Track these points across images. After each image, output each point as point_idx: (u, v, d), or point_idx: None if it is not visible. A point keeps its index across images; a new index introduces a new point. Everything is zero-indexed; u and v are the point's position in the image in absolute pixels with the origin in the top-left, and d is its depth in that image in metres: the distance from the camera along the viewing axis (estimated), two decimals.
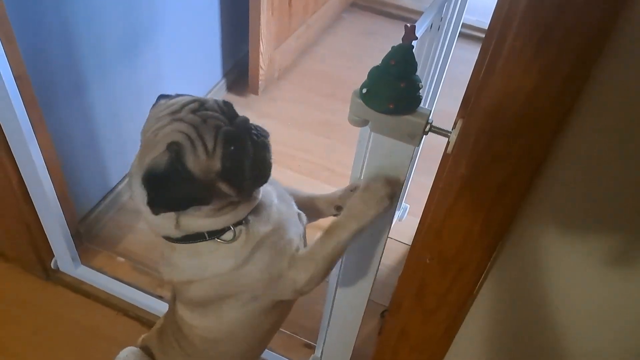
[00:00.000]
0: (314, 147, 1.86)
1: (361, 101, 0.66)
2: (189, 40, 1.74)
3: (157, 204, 0.67)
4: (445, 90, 2.37)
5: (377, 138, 0.70)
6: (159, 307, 1.35)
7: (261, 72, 1.98)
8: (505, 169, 0.60)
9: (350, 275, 0.91)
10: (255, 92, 2.05)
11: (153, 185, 0.67)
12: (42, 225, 1.30)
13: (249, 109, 2.05)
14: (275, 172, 1.73)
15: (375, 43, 2.29)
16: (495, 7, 0.56)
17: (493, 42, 0.54)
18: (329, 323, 1.08)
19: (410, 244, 1.63)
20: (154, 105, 0.81)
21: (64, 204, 1.29)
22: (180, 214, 0.72)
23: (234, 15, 1.95)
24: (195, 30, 1.77)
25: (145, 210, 0.69)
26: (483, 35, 2.52)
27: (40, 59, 1.17)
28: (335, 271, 1.08)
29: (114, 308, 1.37)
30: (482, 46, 0.60)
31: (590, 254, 0.59)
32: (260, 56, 1.91)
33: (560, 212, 0.63)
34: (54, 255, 1.40)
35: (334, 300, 1.08)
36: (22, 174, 1.17)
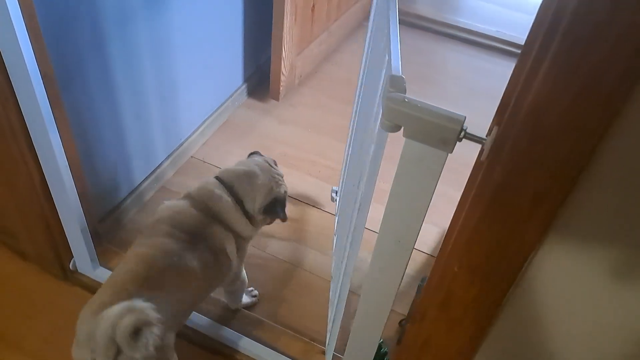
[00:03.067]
0: (334, 153, 1.85)
1: (396, 106, 0.65)
2: (211, 45, 1.75)
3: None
4: (464, 102, 2.37)
5: (408, 144, 0.69)
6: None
7: (282, 78, 1.98)
8: (543, 176, 0.58)
9: (373, 284, 0.90)
10: (276, 98, 2.05)
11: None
12: (62, 225, 1.30)
13: (269, 114, 2.06)
14: (296, 178, 1.72)
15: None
16: (539, 9, 0.55)
17: (537, 44, 0.53)
18: (332, 326, 1.06)
19: (427, 252, 1.63)
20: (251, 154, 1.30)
21: (85, 204, 1.29)
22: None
23: (257, 21, 1.96)
24: (218, 35, 1.78)
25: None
26: (499, 45, 2.48)
27: (67, 57, 1.18)
28: (349, 278, 1.08)
29: None
30: (522, 50, 0.59)
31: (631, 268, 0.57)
32: (282, 62, 1.91)
33: (597, 222, 0.62)
34: (72, 256, 1.40)
35: (337, 303, 1.06)
36: (44, 173, 1.18)
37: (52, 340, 1.29)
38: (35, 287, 1.40)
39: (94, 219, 1.42)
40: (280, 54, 1.90)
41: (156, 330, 0.89)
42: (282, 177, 1.25)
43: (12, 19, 0.90)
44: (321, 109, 2.07)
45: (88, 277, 1.41)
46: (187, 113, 1.78)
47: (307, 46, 2.04)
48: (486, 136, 0.67)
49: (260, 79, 2.13)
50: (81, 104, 1.27)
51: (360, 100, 1.23)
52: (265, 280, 1.49)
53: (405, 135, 0.68)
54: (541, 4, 0.55)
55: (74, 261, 1.40)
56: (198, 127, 1.86)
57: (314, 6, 1.95)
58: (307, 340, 1.33)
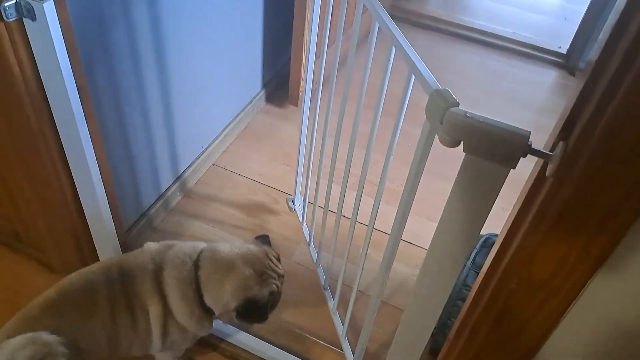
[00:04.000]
0: (357, 160, 1.84)
1: (457, 122, 0.64)
2: (232, 52, 1.74)
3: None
4: (484, 105, 2.35)
5: (468, 159, 0.67)
6: None
7: (302, 83, 1.97)
8: (616, 195, 0.57)
9: (420, 299, 0.88)
10: (295, 104, 2.04)
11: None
12: (92, 239, 1.30)
13: (288, 120, 2.05)
14: (315, 185, 1.67)
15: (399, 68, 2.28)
16: (616, 23, 0.53)
17: (617, 61, 0.51)
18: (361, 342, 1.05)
19: (421, 246, 1.61)
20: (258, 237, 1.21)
21: (114, 216, 1.28)
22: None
23: (276, 26, 1.95)
24: (239, 42, 1.77)
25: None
26: (515, 47, 2.47)
27: (97, 69, 1.17)
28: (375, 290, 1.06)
29: None
30: (595, 67, 0.57)
31: None
32: (302, 67, 1.90)
33: None
34: None
35: (369, 318, 1.05)
36: (77, 188, 1.17)
37: None
38: None
39: (122, 230, 1.41)
40: (300, 59, 1.88)
41: None
42: (280, 276, 1.09)
43: (51, 30, 0.89)
44: (341, 114, 2.05)
45: None
46: (208, 120, 1.77)
47: (325, 51, 2.02)
48: (549, 151, 0.65)
49: (278, 85, 2.12)
50: (109, 116, 1.26)
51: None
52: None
53: (465, 150, 0.67)
54: (616, 21, 0.54)
55: None
56: (219, 135, 1.85)
57: (332, 10, 1.94)
58: (339, 350, 1.32)
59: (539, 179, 0.67)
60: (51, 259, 1.41)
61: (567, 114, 0.63)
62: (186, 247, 1.08)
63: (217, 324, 1.33)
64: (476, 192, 0.69)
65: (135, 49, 1.26)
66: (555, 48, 2.57)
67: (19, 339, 0.87)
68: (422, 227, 1.68)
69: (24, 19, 0.89)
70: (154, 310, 1.02)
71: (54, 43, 0.90)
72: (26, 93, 0.98)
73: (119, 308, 1.00)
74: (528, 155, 0.64)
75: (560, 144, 0.63)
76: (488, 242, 1.64)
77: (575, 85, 0.64)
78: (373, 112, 1.03)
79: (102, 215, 1.21)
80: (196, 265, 1.04)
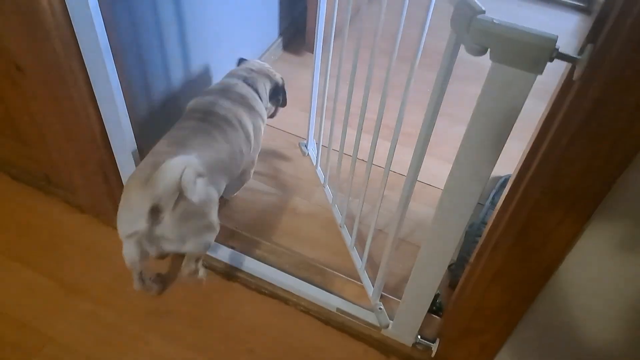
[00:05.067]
0: (374, 105, 1.84)
1: (484, 29, 0.65)
2: (250, 1, 1.73)
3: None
4: None
5: (495, 68, 0.68)
6: (232, 257, 1.38)
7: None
8: None
9: (443, 220, 0.91)
10: (312, 51, 2.03)
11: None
12: (119, 175, 1.33)
13: (306, 67, 2.05)
14: (336, 131, 1.69)
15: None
16: None
17: None
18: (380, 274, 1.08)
19: (438, 187, 1.63)
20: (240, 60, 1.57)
21: (141, 152, 1.31)
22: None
23: None
24: None
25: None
26: None
27: (118, 7, 1.18)
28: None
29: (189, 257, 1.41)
30: None
31: None
32: (318, 12, 1.88)
33: None
34: None
35: (388, 254, 1.07)
36: (104, 123, 1.19)
37: (115, 286, 1.34)
38: (95, 237, 1.45)
39: None
40: (316, 5, 1.86)
41: (204, 181, 1.09)
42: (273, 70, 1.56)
43: None
44: (358, 60, 2.04)
45: None
46: (227, 67, 1.77)
47: None
48: (578, 55, 0.66)
49: (295, 32, 2.11)
50: (133, 52, 1.28)
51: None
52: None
53: (492, 58, 0.68)
54: None
55: None
56: None
57: None
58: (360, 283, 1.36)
59: (566, 84, 0.68)
60: (80, 199, 1.45)
61: (595, 18, 0.63)
62: (227, 81, 1.42)
63: (241, 259, 1.37)
64: (504, 100, 0.70)
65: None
66: None
67: (180, 159, 1.02)
68: (440, 168, 1.69)
69: None
70: (245, 118, 1.35)
71: None
72: (54, 27, 0.99)
73: (224, 129, 1.28)
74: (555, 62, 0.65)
75: (589, 46, 0.64)
76: (506, 182, 1.66)
77: None
78: (387, 57, 1.03)
79: (129, 148, 1.24)
80: (247, 82, 1.44)
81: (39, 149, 1.38)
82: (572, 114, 0.65)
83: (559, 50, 0.64)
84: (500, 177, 1.67)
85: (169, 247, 1.11)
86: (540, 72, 0.66)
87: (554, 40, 0.64)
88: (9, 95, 1.27)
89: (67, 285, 1.34)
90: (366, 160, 1.21)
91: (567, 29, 2.41)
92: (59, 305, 1.30)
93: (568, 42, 2.33)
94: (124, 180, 1.34)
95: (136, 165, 1.29)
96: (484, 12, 0.68)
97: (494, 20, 0.66)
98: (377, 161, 1.22)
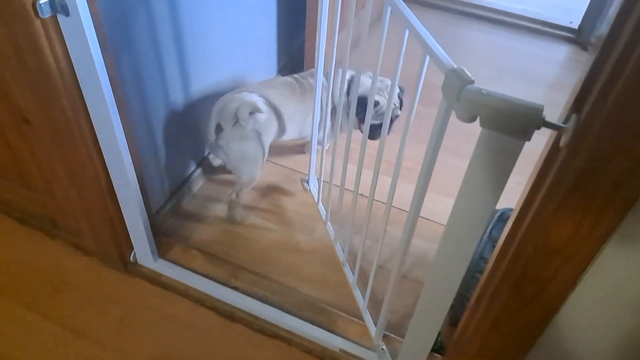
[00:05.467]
0: (374, 142, 1.88)
1: (474, 98, 0.68)
2: (248, 38, 1.78)
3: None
4: (497, 83, 2.37)
5: (485, 134, 0.72)
6: (235, 298, 1.40)
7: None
8: (628, 162, 0.61)
9: (440, 272, 0.93)
10: None
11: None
12: (124, 221, 1.36)
13: None
14: (338, 168, 1.71)
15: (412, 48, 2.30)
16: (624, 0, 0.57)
17: (625, 36, 0.55)
18: (383, 313, 1.10)
19: (436, 221, 1.65)
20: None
21: (144, 199, 1.34)
22: None
23: (289, 10, 1.98)
24: (254, 28, 1.81)
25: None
26: (525, 24, 2.47)
27: (122, 60, 1.22)
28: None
29: (192, 299, 1.43)
30: (605, 40, 0.61)
31: None
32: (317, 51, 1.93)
33: None
34: (133, 249, 1.46)
35: (390, 290, 1.09)
36: (110, 174, 1.23)
37: (121, 329, 1.36)
38: (100, 281, 1.47)
39: (151, 213, 1.47)
40: (314, 42, 1.91)
41: (260, 117, 1.49)
42: (386, 87, 1.62)
43: (84, 24, 0.94)
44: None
45: (148, 269, 1.47)
46: None
47: (337, 34, 2.05)
48: (563, 123, 0.69)
49: (293, 69, 2.15)
50: (135, 106, 1.32)
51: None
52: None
53: (482, 125, 0.71)
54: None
55: (134, 254, 1.47)
56: None
57: None
58: (361, 322, 1.38)
59: (553, 150, 0.71)
60: (87, 243, 1.48)
61: (580, 88, 0.67)
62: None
63: (244, 300, 1.39)
64: (493, 164, 0.74)
65: (155, 37, 1.31)
66: (566, 23, 2.56)
67: (242, 95, 1.49)
68: (437, 203, 1.72)
69: (58, 15, 0.94)
70: (321, 103, 1.59)
71: (87, 36, 0.95)
72: (62, 86, 1.03)
73: (305, 95, 1.62)
74: (542, 128, 0.68)
75: (573, 116, 0.67)
76: (504, 216, 1.68)
77: (587, 60, 0.68)
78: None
79: (134, 198, 1.27)
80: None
81: (46, 195, 1.41)
82: (560, 180, 0.68)
83: (545, 119, 0.67)
84: (498, 211, 1.70)
85: (225, 158, 1.52)
86: (528, 139, 0.69)
87: (540, 109, 0.67)
88: (16, 144, 1.31)
89: (72, 329, 1.36)
90: (366, 195, 1.24)
91: (557, 60, 2.46)
92: (64, 350, 1.32)
93: (558, 74, 2.37)
94: (130, 227, 1.37)
95: (141, 211, 1.32)
96: (472, 82, 0.72)
97: (482, 91, 0.69)
98: (377, 196, 1.25)
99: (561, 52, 2.50)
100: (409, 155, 1.83)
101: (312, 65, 2.03)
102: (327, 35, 1.47)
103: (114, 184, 1.26)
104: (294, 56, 2.16)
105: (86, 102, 1.08)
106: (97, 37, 0.98)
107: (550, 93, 2.19)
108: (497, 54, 2.43)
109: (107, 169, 1.22)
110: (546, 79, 2.30)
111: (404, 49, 0.96)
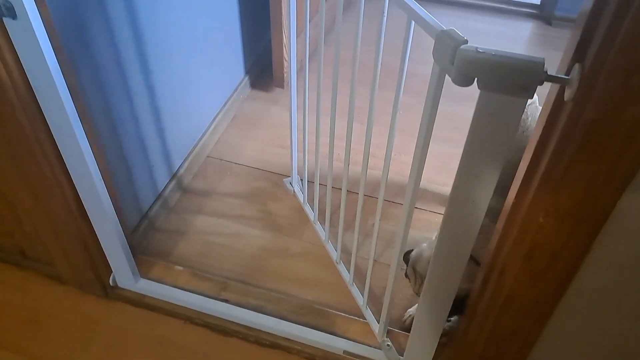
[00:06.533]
0: (357, 135, 1.83)
1: (470, 58, 0.64)
2: (211, 40, 1.71)
3: None
4: None
5: (484, 96, 0.67)
6: (226, 311, 1.32)
7: (285, 64, 1.94)
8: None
9: (444, 250, 0.88)
10: (281, 86, 2.02)
11: None
12: (99, 242, 1.27)
13: (276, 103, 2.03)
14: (313, 164, 1.67)
15: (388, 24, 2.27)
16: None
17: None
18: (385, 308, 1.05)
19: (429, 210, 1.62)
20: None
21: (119, 217, 1.25)
22: None
23: (253, 8, 1.92)
24: (217, 29, 1.74)
25: None
26: (489, 4, 2.48)
27: (81, 68, 1.14)
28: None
29: (180, 317, 1.35)
30: None
31: None
32: (284, 48, 1.88)
33: None
34: (111, 272, 1.37)
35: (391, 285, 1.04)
36: (79, 192, 1.14)
37: (108, 358, 1.27)
38: (79, 310, 1.37)
39: (127, 232, 1.38)
40: (281, 39, 1.86)
41: None
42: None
43: (34, 27, 0.86)
44: (328, 91, 2.04)
45: (130, 291, 1.38)
46: (196, 113, 1.74)
47: (304, 29, 2.00)
48: (565, 75, 0.65)
49: (261, 69, 2.09)
50: (99, 116, 1.23)
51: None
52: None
53: (480, 87, 0.66)
54: None
55: (114, 277, 1.37)
56: (209, 126, 1.82)
57: None
58: (363, 320, 1.32)
59: (557, 104, 0.67)
60: (61, 270, 1.38)
61: (580, 35, 0.62)
62: None
63: (236, 312, 1.32)
64: (495, 128, 0.69)
65: (115, 45, 1.23)
66: (528, 0, 2.58)
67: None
68: (423, 191, 1.68)
69: (4, 18, 0.86)
70: None
71: (39, 41, 0.87)
72: (16, 97, 0.95)
73: None
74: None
75: (576, 66, 0.63)
76: None
77: (551, 33, 0.64)
78: (365, 87, 1.01)
79: (108, 217, 1.19)
80: None
81: (11, 224, 1.31)
82: (568, 136, 0.64)
83: (548, 72, 0.63)
84: None
85: None
86: (531, 96, 0.65)
87: (541, 63, 0.62)
88: None
89: None
90: (353, 191, 1.18)
91: (524, 37, 2.47)
92: None
93: (527, 50, 2.38)
94: (106, 249, 1.28)
95: (117, 230, 1.23)
96: (466, 41, 0.67)
97: (478, 49, 0.65)
98: (364, 190, 1.19)
99: (527, 28, 2.51)
100: (397, 146, 1.80)
101: (280, 63, 1.98)
102: (298, 28, 1.41)
103: (84, 204, 1.17)
104: (261, 55, 2.10)
105: (45, 114, 0.99)
106: (51, 42, 0.90)
107: None
108: (466, 36, 2.42)
109: (75, 188, 1.13)
110: None
111: (385, 18, 0.90)
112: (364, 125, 1.08)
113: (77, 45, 1.10)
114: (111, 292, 1.39)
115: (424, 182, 1.72)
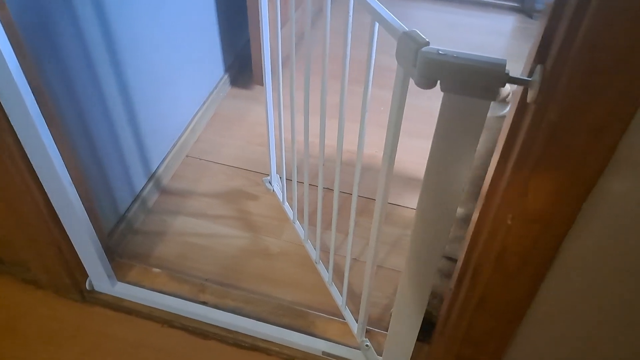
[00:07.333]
0: (333, 132, 1.81)
1: (431, 60, 0.62)
2: (188, 39, 1.69)
3: None
4: None
5: (447, 99, 0.66)
6: (204, 313, 1.31)
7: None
8: (603, 108, 0.56)
9: (418, 251, 0.88)
10: (261, 83, 2.00)
11: None
12: (73, 246, 1.25)
13: (256, 101, 2.01)
14: (300, 162, 1.66)
15: (367, 19, 2.26)
16: None
17: None
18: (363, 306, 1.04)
19: (406, 206, 1.61)
20: None
21: (92, 220, 1.23)
22: None
23: (230, 6, 1.90)
24: (194, 27, 1.71)
25: None
26: None
27: (48, 69, 1.11)
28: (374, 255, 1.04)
29: (158, 321, 1.33)
30: None
31: None
32: (263, 45, 1.85)
33: None
34: (87, 276, 1.35)
35: (367, 283, 1.04)
36: (49, 196, 1.12)
37: None
38: (56, 315, 1.35)
39: (103, 234, 1.36)
40: (260, 37, 1.83)
41: None
42: None
43: None
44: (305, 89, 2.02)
45: (107, 295, 1.36)
46: (175, 112, 1.72)
47: (283, 26, 1.98)
48: (527, 77, 0.64)
49: (241, 67, 2.07)
50: (70, 118, 1.21)
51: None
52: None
53: (443, 89, 0.65)
54: None
55: (90, 281, 1.35)
56: (188, 125, 1.80)
57: None
58: (342, 320, 1.31)
59: (521, 107, 0.66)
60: (37, 275, 1.36)
61: (541, 35, 0.61)
62: None
63: (215, 314, 1.31)
64: (460, 130, 0.68)
65: (85, 45, 1.21)
66: None
67: None
68: (404, 187, 1.67)
69: None
70: None
71: None
72: None
73: None
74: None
75: (538, 67, 0.62)
76: None
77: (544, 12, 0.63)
78: (339, 81, 1.00)
79: (80, 221, 1.17)
80: None
81: None
82: (532, 138, 0.63)
83: (509, 74, 0.62)
84: None
85: None
86: (494, 98, 0.64)
87: (503, 65, 0.61)
88: None
89: None
90: (332, 188, 1.17)
91: (506, 31, 2.46)
92: None
93: (509, 44, 2.37)
94: (80, 253, 1.26)
95: (90, 233, 1.21)
96: (428, 43, 0.66)
97: (440, 51, 0.64)
98: (344, 187, 1.18)
99: (508, 22, 2.50)
100: (373, 142, 1.79)
101: (260, 60, 1.95)
102: (271, 31, 1.39)
103: (55, 208, 1.15)
104: (240, 54, 2.08)
105: (9, 118, 0.97)
106: (11, 44, 0.88)
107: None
108: (446, 31, 2.41)
109: (46, 193, 1.11)
110: (498, 51, 2.29)
111: (350, 18, 0.89)
112: (345, 122, 1.07)
113: (43, 46, 1.07)
114: (88, 296, 1.37)
115: (406, 178, 1.71)
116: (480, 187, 0.83)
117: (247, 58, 2.01)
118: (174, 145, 1.73)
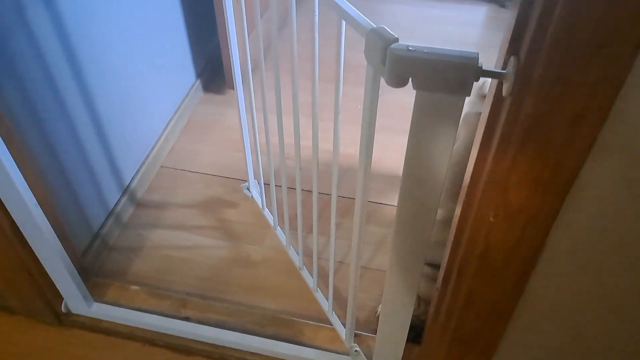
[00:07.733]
0: (310, 132, 1.78)
1: (401, 57, 0.59)
2: (156, 45, 1.63)
3: None
4: None
5: (420, 96, 0.63)
6: (188, 329, 1.27)
7: None
8: (581, 96, 0.54)
9: (400, 254, 0.85)
10: (234, 87, 1.95)
11: None
12: (44, 269, 1.20)
13: (231, 105, 1.96)
14: (274, 165, 1.62)
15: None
16: None
17: None
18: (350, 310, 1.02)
19: (389, 204, 1.59)
20: None
21: (63, 241, 1.18)
22: None
23: (197, 9, 1.85)
24: (161, 33, 1.66)
25: None
26: None
27: (3, 85, 1.06)
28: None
29: (139, 340, 1.28)
30: None
31: None
32: (231, 49, 1.81)
33: None
34: (62, 298, 1.29)
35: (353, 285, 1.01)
36: (14, 219, 1.06)
37: None
38: (32, 340, 1.30)
39: (76, 254, 1.31)
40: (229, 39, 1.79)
41: None
42: None
43: None
44: (283, 88, 1.98)
45: (84, 317, 1.31)
46: (146, 122, 1.67)
47: (253, 27, 1.94)
48: (501, 69, 0.62)
49: (213, 71, 2.02)
50: (32, 136, 1.16)
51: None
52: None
53: (415, 87, 0.62)
54: None
55: (65, 303, 1.30)
56: (160, 135, 1.75)
57: None
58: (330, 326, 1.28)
59: (497, 101, 0.64)
60: (8, 301, 1.30)
61: (513, 26, 0.59)
62: None
63: (198, 330, 1.27)
64: (435, 129, 0.65)
65: (43, 58, 1.15)
66: None
67: None
68: (386, 184, 1.65)
69: None
70: None
71: None
72: None
73: None
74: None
75: (512, 59, 0.59)
76: None
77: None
78: (310, 81, 0.97)
79: (49, 243, 1.12)
80: None
81: None
82: (510, 132, 0.60)
83: (483, 67, 0.59)
84: None
85: None
86: (468, 94, 0.61)
87: (475, 58, 0.59)
88: None
89: None
90: (320, 192, 1.14)
91: (479, 22, 2.45)
92: None
93: (483, 35, 2.37)
94: (53, 275, 1.21)
95: (61, 255, 1.16)
96: (397, 40, 0.63)
97: (409, 47, 0.61)
98: (324, 189, 1.15)
99: (481, 13, 2.49)
100: (350, 140, 1.76)
101: (231, 66, 1.91)
102: (238, 36, 1.35)
103: (22, 231, 1.09)
104: (211, 58, 2.03)
105: None
106: None
107: (481, 55, 2.17)
108: (421, 24, 2.39)
109: (10, 217, 1.06)
110: (473, 41, 2.28)
111: (317, 17, 0.85)
112: (322, 122, 1.03)
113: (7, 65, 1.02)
114: (65, 319, 1.32)
115: (387, 176, 1.69)
116: (460, 185, 0.81)
117: (218, 62, 1.96)
118: (147, 156, 1.68)
